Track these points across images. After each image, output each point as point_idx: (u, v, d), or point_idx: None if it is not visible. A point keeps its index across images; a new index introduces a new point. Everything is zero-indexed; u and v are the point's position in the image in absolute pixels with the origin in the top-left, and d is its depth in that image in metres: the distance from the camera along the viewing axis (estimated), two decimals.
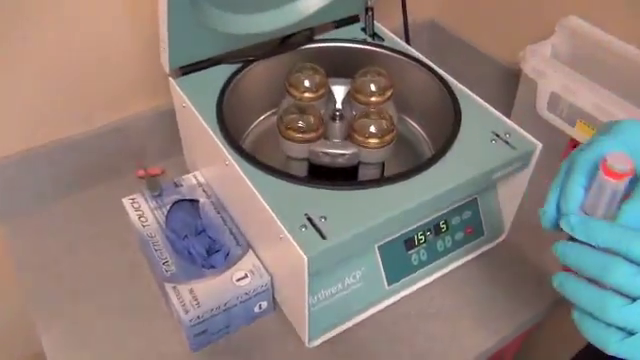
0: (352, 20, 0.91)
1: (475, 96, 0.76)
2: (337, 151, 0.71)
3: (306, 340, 0.68)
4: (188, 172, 0.84)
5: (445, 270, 0.77)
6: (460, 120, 0.72)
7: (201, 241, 0.73)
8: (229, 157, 0.67)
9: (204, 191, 0.79)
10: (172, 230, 0.74)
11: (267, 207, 0.61)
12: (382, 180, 0.65)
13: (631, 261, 0.38)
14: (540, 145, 0.70)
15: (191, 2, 0.69)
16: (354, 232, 0.60)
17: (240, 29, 0.80)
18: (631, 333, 0.38)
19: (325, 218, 0.61)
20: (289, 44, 0.85)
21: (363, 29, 0.89)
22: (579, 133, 0.83)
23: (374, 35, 0.88)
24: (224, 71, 0.80)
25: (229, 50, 0.81)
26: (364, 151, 0.71)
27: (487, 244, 0.80)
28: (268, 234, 0.65)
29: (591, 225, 0.40)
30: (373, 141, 0.70)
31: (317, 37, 0.87)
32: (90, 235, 0.82)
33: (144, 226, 0.74)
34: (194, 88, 0.77)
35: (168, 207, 0.77)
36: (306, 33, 0.86)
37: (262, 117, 0.88)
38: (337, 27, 0.90)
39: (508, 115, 0.81)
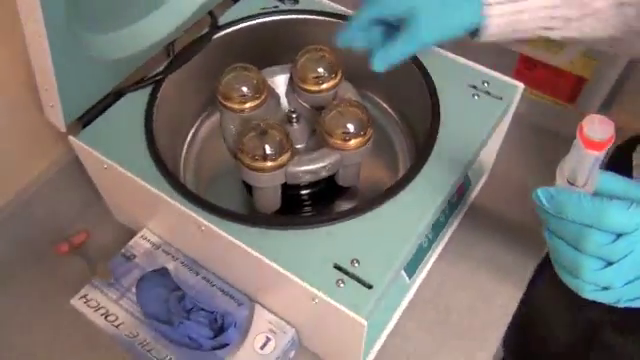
0: None
1: (435, 47, 0.67)
2: (318, 165, 0.60)
3: None
4: (121, 225, 0.69)
5: (446, 239, 0.72)
6: (434, 87, 0.64)
7: (197, 319, 0.60)
8: (204, 222, 0.54)
9: (166, 252, 0.65)
10: (154, 317, 0.61)
11: (286, 274, 0.51)
12: (385, 196, 0.56)
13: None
14: (522, 86, 0.64)
15: (69, 32, 0.51)
16: (395, 266, 0.52)
17: (127, 48, 0.62)
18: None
19: (358, 261, 0.51)
20: (194, 45, 0.69)
21: None
22: None
23: None
24: (132, 104, 0.63)
25: (124, 77, 0.64)
26: (346, 154, 0.60)
27: (474, 191, 0.76)
28: (291, 295, 0.54)
29: (560, 199, 0.38)
30: (355, 141, 0.60)
31: (222, 22, 0.71)
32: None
33: (117, 326, 0.60)
34: (108, 139, 0.60)
35: (134, 290, 0.63)
36: (209, 21, 0.70)
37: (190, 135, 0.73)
38: (235, 1, 0.74)
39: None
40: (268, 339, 0.59)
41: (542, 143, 0.83)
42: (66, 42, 0.50)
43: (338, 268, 0.51)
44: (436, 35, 0.51)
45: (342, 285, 0.50)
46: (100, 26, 0.57)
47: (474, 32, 0.53)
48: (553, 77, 0.77)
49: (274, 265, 0.51)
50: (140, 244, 0.66)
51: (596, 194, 0.38)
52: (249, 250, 0.52)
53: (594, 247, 0.37)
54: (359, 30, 0.54)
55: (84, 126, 0.62)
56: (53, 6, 0.46)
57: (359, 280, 0.50)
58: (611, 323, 0.75)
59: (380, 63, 0.52)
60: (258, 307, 0.61)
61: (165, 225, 0.64)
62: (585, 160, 0.37)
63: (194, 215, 0.54)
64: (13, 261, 0.71)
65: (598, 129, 0.36)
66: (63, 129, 0.60)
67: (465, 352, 0.65)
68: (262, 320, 0.60)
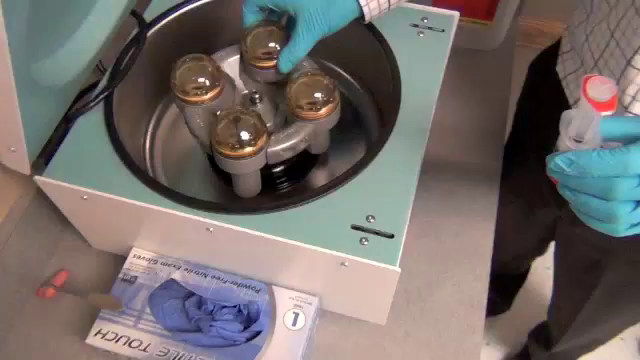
0: None
1: None
2: (296, 139, 0.60)
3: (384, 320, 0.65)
4: (98, 252, 0.68)
5: None
6: (381, 35, 0.66)
7: (224, 318, 0.60)
8: (213, 222, 0.54)
9: (166, 264, 0.64)
10: (178, 329, 0.60)
11: (312, 247, 0.52)
12: (374, 149, 0.58)
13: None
14: (457, 14, 0.68)
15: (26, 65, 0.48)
16: (408, 208, 0.54)
17: (71, 68, 0.59)
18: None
19: (373, 217, 0.54)
20: (130, 49, 0.65)
21: None
22: None
23: None
24: (88, 126, 0.60)
25: (70, 103, 0.60)
26: (319, 123, 0.61)
27: None
28: (315, 266, 0.56)
29: (582, 162, 0.39)
30: (325, 109, 0.60)
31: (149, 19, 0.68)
32: None
33: (144, 349, 0.59)
34: (79, 168, 0.57)
35: (148, 310, 0.61)
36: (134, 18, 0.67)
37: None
38: None
39: None
40: (296, 314, 0.61)
41: (469, 63, 0.88)
42: (25, 77, 0.46)
43: (357, 228, 0.53)
44: (325, 28, 0.58)
45: (366, 243, 0.52)
46: (40, 50, 0.53)
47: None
48: (469, 0, 0.82)
49: (298, 243, 0.52)
50: (137, 264, 0.64)
51: (604, 143, 0.40)
52: (268, 237, 0.53)
53: (625, 193, 0.38)
54: (252, 14, 0.62)
55: (46, 163, 0.58)
56: (16, 42, 0.42)
57: (380, 233, 0.53)
58: (562, 218, 0.83)
59: (285, 64, 0.60)
60: (276, 288, 0.62)
61: (158, 238, 0.63)
62: (594, 120, 0.39)
63: (200, 219, 0.54)
64: (1, 318, 0.66)
65: (602, 89, 0.38)
66: (28, 172, 0.56)
67: (467, 270, 0.70)
68: (284, 299, 0.62)
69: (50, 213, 0.69)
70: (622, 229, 0.41)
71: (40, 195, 0.65)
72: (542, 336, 1.23)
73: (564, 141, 0.41)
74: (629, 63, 0.54)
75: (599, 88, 0.38)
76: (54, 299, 0.68)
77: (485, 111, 0.84)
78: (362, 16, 0.60)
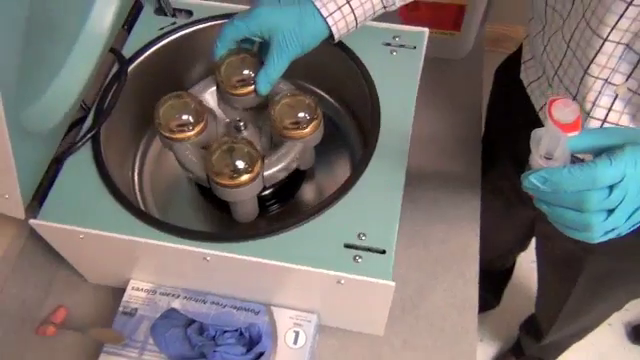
0: (137, 12, 0.73)
1: None
2: (288, 159, 0.62)
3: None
4: (94, 286, 0.69)
5: None
6: (356, 56, 0.68)
7: (226, 342, 0.62)
8: (209, 252, 0.55)
9: (164, 294, 0.65)
10: (182, 357, 0.61)
11: (308, 269, 0.54)
12: (360, 165, 0.60)
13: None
14: (427, 30, 0.70)
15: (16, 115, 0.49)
16: (396, 223, 0.57)
17: (58, 110, 0.60)
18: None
19: (364, 234, 0.56)
20: (112, 87, 0.67)
21: (158, 11, 0.73)
22: None
23: (177, 11, 0.73)
24: (77, 166, 0.61)
25: (58, 145, 0.62)
26: (306, 141, 0.63)
27: None
28: (312, 285, 0.58)
29: (555, 179, 0.41)
30: (311, 126, 0.62)
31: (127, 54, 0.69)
32: None
33: None
34: (73, 209, 0.58)
35: (150, 341, 0.62)
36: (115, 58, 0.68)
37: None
38: (129, 30, 0.72)
39: None
40: (297, 333, 0.62)
41: (439, 72, 0.90)
42: (16, 125, 0.48)
43: (350, 246, 0.55)
44: (298, 49, 0.61)
45: (360, 260, 0.54)
46: (28, 96, 0.54)
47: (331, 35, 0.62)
48: (436, 12, 0.85)
49: (295, 266, 0.54)
50: (135, 296, 0.65)
51: (573, 158, 0.43)
52: (265, 261, 0.54)
53: (595, 205, 0.41)
54: (225, 48, 0.64)
55: (40, 204, 0.59)
56: (7, 90, 0.44)
57: (372, 249, 0.55)
58: (540, 217, 0.86)
59: (263, 86, 0.63)
60: (274, 308, 0.64)
61: (155, 269, 0.64)
62: (561, 140, 0.41)
63: (197, 249, 0.55)
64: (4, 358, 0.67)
65: (566, 112, 0.40)
66: (22, 216, 0.57)
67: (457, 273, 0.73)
68: (284, 318, 0.63)
69: (44, 251, 0.70)
70: (597, 236, 0.44)
71: (34, 234, 0.66)
72: (532, 328, 1.27)
73: (535, 159, 0.43)
74: (586, 72, 0.57)
75: (563, 111, 0.41)
76: (55, 337, 0.69)
77: (460, 118, 0.86)
78: (331, 35, 0.62)
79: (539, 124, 0.64)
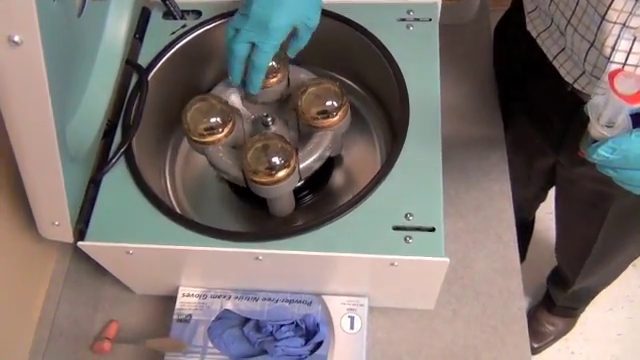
0: (146, 19, 0.72)
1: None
2: (322, 149, 0.62)
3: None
4: (140, 297, 0.69)
5: None
6: (374, 36, 0.67)
7: (285, 336, 0.63)
8: (261, 251, 0.56)
9: (215, 297, 0.66)
10: (244, 356, 0.62)
11: (361, 256, 0.54)
12: (398, 142, 0.60)
13: None
14: (439, 0, 0.70)
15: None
16: (441, 199, 0.57)
17: (91, 130, 0.60)
18: None
19: (411, 214, 0.56)
20: (134, 99, 0.66)
21: (166, 15, 0.72)
22: None
23: (185, 13, 0.72)
24: (116, 182, 0.61)
25: (93, 162, 0.62)
26: (336, 128, 0.63)
27: None
28: (365, 271, 0.59)
29: (624, 148, 0.44)
30: (340, 113, 0.62)
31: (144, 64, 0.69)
32: None
33: None
34: (119, 226, 0.58)
35: (209, 344, 0.63)
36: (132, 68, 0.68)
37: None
38: (140, 39, 0.71)
39: None
40: (352, 318, 0.63)
41: (449, 39, 0.89)
42: (63, 146, 0.48)
43: (398, 228, 0.56)
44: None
45: (410, 240, 0.55)
46: (65, 116, 0.54)
47: None
48: None
49: (347, 254, 0.54)
50: (187, 302, 0.66)
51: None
52: (317, 254, 0.55)
53: None
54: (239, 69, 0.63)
55: (85, 226, 0.59)
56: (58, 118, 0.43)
57: (421, 229, 0.55)
58: (561, 162, 0.87)
59: (254, 85, 0.62)
60: (326, 297, 0.65)
61: (205, 274, 0.65)
62: (624, 109, 0.43)
63: (249, 250, 0.56)
64: None
65: (629, 83, 0.42)
66: (71, 240, 0.57)
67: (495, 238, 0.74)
68: (337, 305, 0.64)
69: (89, 269, 0.71)
70: None
71: (77, 253, 0.66)
72: (559, 279, 1.28)
73: (596, 128, 0.45)
74: (604, 18, 0.57)
75: (626, 83, 0.42)
76: (112, 352, 0.70)
77: (475, 82, 0.86)
78: None
79: (551, 73, 0.65)
